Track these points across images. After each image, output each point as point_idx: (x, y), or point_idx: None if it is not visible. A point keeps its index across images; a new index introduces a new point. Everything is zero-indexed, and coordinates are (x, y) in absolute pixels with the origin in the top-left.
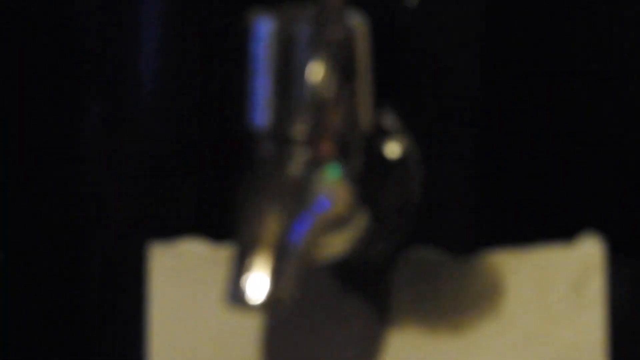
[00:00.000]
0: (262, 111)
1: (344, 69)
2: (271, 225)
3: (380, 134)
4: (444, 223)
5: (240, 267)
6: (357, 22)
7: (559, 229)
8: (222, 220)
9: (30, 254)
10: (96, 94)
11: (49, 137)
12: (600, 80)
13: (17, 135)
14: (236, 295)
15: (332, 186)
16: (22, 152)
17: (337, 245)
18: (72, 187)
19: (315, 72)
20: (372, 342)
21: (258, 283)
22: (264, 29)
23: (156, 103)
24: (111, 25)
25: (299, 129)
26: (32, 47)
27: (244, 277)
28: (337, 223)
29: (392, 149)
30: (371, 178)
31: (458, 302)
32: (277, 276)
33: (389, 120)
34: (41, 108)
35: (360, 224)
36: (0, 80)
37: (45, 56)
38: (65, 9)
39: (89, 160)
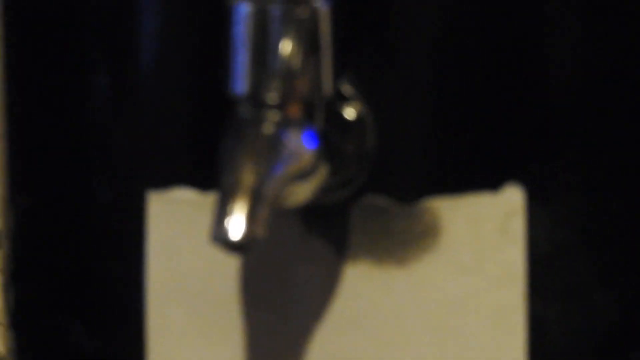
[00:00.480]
0: (241, 80)
1: (309, 44)
2: (247, 175)
3: (340, 99)
4: (393, 174)
5: (221, 211)
6: (320, 3)
7: (487, 180)
8: (209, 172)
9: (50, 198)
10: (103, 60)
11: (63, 97)
12: (523, 37)
13: (37, 94)
14: (218, 235)
15: (299, 141)
16: (40, 110)
17: (302, 192)
18: (83, 139)
19: (286, 46)
20: (330, 275)
21: (236, 225)
22: (243, 10)
23: (156, 74)
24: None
25: (272, 94)
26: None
27: (224, 220)
28: (302, 174)
29: (349, 112)
30: (331, 136)
31: (403, 240)
32: (252, 219)
33: (347, 88)
34: (56, 69)
35: (321, 174)
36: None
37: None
38: None
39: (98, 118)
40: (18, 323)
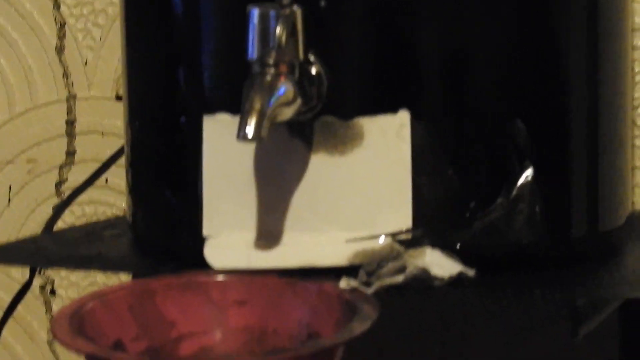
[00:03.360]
0: (253, 50)
1: (290, 30)
2: (256, 103)
3: (308, 62)
4: (337, 104)
5: (241, 123)
6: (296, 7)
7: (390, 107)
8: (238, 103)
9: (151, 121)
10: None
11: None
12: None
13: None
14: (240, 135)
15: (285, 85)
16: None
17: (286, 113)
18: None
19: (278, 31)
20: (302, 160)
21: (249, 129)
22: (254, 12)
23: (211, 53)
24: None
25: (270, 59)
26: None
27: (243, 127)
28: (287, 103)
29: (313, 69)
30: (302, 83)
31: (343, 141)
32: (258, 126)
33: (312, 55)
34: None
35: (297, 104)
36: None
37: None
38: None
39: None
40: (134, 191)
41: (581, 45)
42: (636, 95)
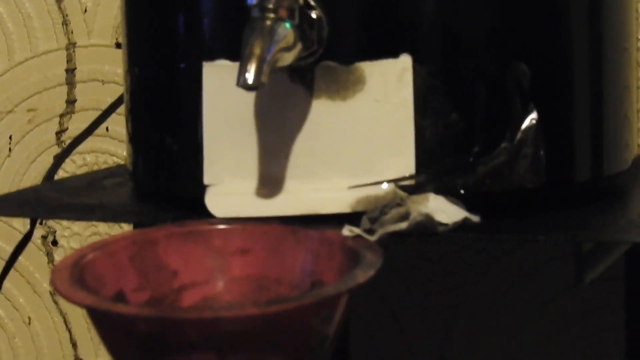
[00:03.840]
0: None
1: None
2: (256, 48)
3: (308, 7)
4: (338, 49)
5: (241, 68)
6: None
7: (391, 52)
8: (237, 49)
9: (151, 68)
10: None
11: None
12: None
13: None
14: (240, 81)
15: (285, 30)
16: None
17: (287, 58)
18: (169, 33)
19: None
20: (304, 105)
21: (250, 75)
22: None
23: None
24: None
25: (269, 3)
26: None
27: (244, 73)
28: (287, 48)
29: (313, 13)
30: (302, 27)
31: (345, 86)
32: (258, 72)
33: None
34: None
35: (298, 49)
36: None
37: None
38: None
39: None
40: (134, 139)
41: None
42: None
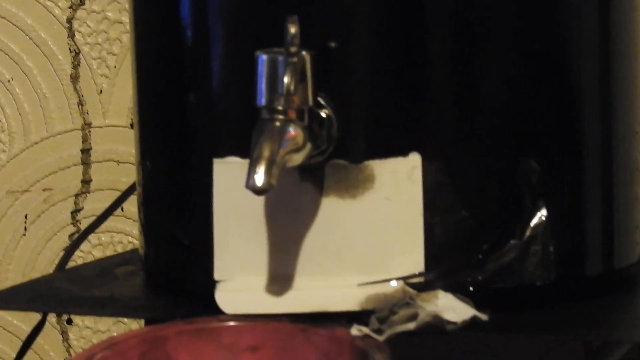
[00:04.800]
0: (262, 97)
1: (299, 76)
2: (266, 150)
3: (318, 106)
4: (348, 147)
5: (250, 170)
6: (305, 53)
7: (400, 150)
8: (247, 147)
9: (161, 164)
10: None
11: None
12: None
13: None
14: (249, 184)
15: (295, 131)
16: None
17: (297, 159)
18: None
19: (287, 80)
20: (314, 204)
21: (259, 178)
22: (262, 58)
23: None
24: None
25: (279, 105)
26: None
27: (253, 175)
28: (297, 149)
29: (323, 113)
30: (311, 127)
31: (354, 184)
32: (268, 175)
33: (322, 99)
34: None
35: (307, 149)
36: None
37: None
38: None
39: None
40: (146, 229)
41: (593, 82)
42: None
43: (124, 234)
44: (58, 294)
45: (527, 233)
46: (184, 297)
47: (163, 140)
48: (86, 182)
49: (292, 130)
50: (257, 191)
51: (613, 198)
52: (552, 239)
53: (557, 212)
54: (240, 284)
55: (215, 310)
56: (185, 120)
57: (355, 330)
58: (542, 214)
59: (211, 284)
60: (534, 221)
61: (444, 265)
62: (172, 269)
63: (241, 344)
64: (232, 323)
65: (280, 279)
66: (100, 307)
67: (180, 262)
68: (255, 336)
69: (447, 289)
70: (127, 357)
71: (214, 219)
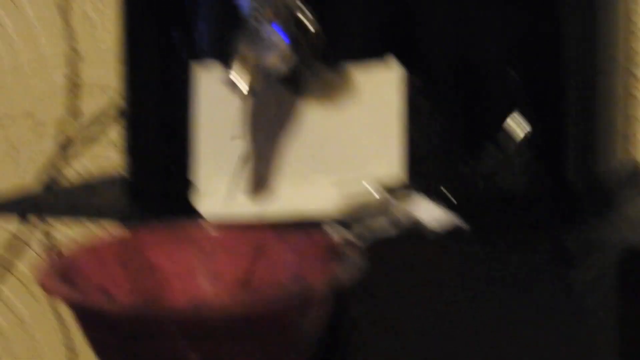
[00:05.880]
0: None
1: None
2: (249, 56)
3: (301, 14)
4: (331, 58)
5: (234, 76)
6: None
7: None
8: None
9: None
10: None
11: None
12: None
13: None
14: (232, 90)
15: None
16: None
17: (280, 66)
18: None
19: None
20: (293, 112)
21: (243, 83)
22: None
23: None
24: None
25: (264, 10)
26: None
27: (235, 81)
28: (281, 55)
29: (307, 21)
30: (296, 34)
31: (336, 91)
32: (252, 80)
33: (306, 6)
34: None
35: (291, 56)
36: None
37: None
38: None
39: None
40: (128, 140)
41: None
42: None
43: (108, 160)
44: (39, 202)
45: (508, 142)
46: (163, 202)
47: (145, 47)
48: (73, 108)
49: (277, 38)
50: (242, 97)
51: (595, 110)
52: (532, 148)
53: (538, 121)
54: (218, 188)
55: (194, 214)
56: (167, 24)
57: (333, 233)
58: (523, 124)
59: (190, 188)
60: (515, 131)
61: (424, 173)
62: (152, 175)
63: (217, 246)
64: (210, 227)
65: (259, 183)
66: (79, 211)
67: (160, 168)
68: (231, 238)
69: (427, 196)
70: (104, 259)
71: (193, 124)
